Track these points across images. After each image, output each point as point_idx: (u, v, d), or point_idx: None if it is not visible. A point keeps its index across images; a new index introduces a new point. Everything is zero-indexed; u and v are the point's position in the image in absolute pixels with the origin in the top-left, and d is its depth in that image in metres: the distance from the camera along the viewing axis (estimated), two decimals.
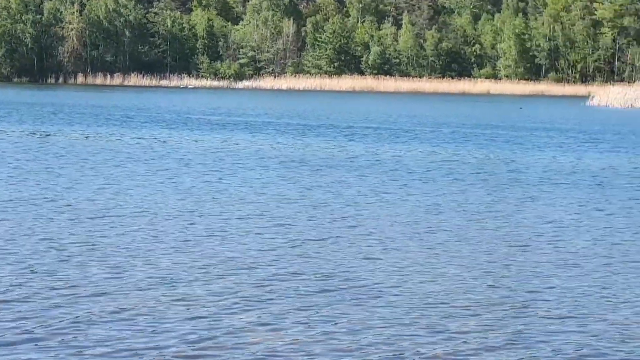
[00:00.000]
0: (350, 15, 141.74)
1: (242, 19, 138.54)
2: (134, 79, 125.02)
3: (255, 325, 9.55)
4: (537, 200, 19.72)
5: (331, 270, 12.28)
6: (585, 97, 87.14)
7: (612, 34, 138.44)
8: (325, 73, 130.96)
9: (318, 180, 22.20)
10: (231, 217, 16.40)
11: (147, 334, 9.15)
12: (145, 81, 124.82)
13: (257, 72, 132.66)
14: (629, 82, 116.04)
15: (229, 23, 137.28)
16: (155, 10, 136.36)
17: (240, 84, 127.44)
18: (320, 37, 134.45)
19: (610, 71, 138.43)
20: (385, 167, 25.85)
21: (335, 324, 9.70)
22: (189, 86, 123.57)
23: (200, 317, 9.77)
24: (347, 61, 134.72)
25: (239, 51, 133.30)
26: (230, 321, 9.66)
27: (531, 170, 26.15)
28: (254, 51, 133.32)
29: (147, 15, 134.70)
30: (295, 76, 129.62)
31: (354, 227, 15.62)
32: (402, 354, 8.76)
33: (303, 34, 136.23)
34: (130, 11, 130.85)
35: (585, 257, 13.58)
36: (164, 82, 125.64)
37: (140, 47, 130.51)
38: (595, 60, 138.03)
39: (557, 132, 43.83)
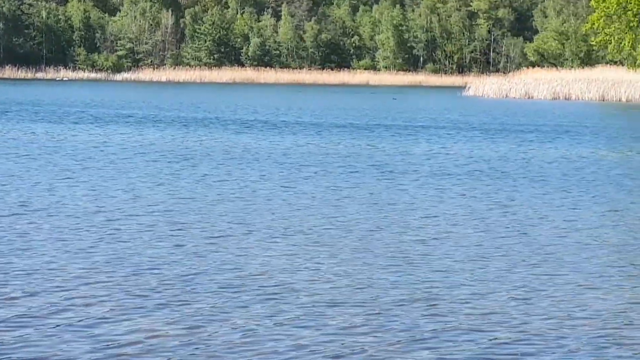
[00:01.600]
0: (229, 6, 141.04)
1: (120, 11, 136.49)
2: (8, 72, 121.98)
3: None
4: (403, 186, 19.93)
5: (207, 264, 12.17)
6: (462, 88, 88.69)
7: (487, 26, 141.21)
8: (205, 65, 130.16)
9: (210, 173, 22.01)
10: (97, 210, 16.12)
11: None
12: (21, 73, 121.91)
13: (136, 64, 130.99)
14: (504, 73, 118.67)
15: (106, 14, 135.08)
16: (30, 1, 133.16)
17: (119, 76, 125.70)
18: (200, 29, 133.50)
19: (486, 62, 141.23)
20: (248, 158, 25.82)
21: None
22: (65, 78, 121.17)
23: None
24: (226, 53, 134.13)
25: (117, 43, 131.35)
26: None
27: (398, 159, 26.43)
28: (132, 43, 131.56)
29: (21, 6, 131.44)
30: (174, 68, 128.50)
31: (233, 222, 15.51)
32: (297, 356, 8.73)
33: (182, 25, 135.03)
34: (4, 2, 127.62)
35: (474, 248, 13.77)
36: (39, 75, 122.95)
37: (14, 39, 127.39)
38: (472, 52, 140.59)
39: (431, 122, 44.45)
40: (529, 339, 9.14)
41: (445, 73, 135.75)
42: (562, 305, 10.40)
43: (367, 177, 22.02)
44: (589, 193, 19.92)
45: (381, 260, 12.56)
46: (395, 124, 42.37)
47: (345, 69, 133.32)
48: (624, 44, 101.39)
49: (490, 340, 9.08)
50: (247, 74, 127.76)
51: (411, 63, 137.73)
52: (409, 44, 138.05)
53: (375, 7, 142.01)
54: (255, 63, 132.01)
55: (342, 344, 8.83)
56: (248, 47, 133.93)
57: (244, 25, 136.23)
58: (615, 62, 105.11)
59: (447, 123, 43.97)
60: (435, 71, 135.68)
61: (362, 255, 12.91)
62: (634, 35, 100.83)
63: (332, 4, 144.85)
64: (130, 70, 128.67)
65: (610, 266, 12.55)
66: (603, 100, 72.31)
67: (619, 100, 71.64)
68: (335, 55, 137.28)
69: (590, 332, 9.40)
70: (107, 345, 8.65)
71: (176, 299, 10.29)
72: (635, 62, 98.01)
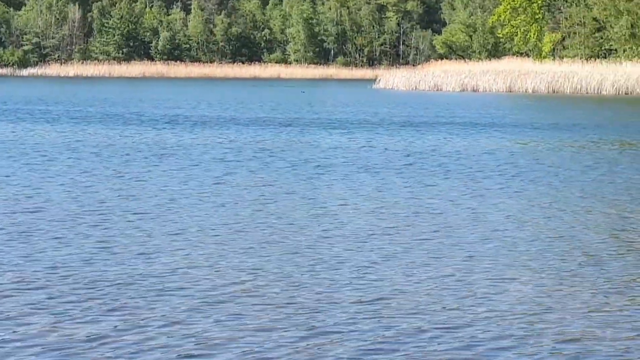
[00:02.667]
0: (137, 0, 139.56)
1: (25, 4, 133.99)
2: None
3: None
4: (320, 180, 19.92)
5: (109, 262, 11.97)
6: (372, 81, 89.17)
7: (396, 19, 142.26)
8: (114, 59, 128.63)
9: (118, 170, 21.68)
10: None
11: None
12: None
13: (43, 59, 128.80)
14: (413, 65, 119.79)
15: (11, 9, 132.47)
16: None
17: (25, 72, 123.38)
18: (108, 23, 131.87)
19: (396, 54, 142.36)
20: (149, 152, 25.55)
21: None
22: None
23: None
24: (136, 47, 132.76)
25: (23, 37, 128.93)
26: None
27: (312, 151, 26.41)
28: (39, 37, 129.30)
29: None
30: (82, 63, 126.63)
31: (140, 219, 15.30)
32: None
33: (89, 19, 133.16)
34: None
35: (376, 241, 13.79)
36: None
37: None
38: (382, 44, 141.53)
39: (342, 115, 44.57)
40: (441, 329, 9.17)
41: (356, 66, 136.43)
42: (478, 293, 10.48)
43: (279, 171, 21.94)
44: (498, 183, 20.17)
45: (288, 257, 12.51)
46: (304, 118, 42.36)
47: (257, 62, 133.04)
48: (530, 36, 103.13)
49: (390, 329, 9.08)
50: (157, 68, 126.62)
51: (322, 56, 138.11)
52: (319, 38, 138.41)
53: (285, 0, 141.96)
54: (165, 57, 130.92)
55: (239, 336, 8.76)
56: (157, 41, 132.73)
57: (153, 19, 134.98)
58: (522, 54, 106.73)
59: (356, 116, 44.13)
60: (346, 64, 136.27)
61: (268, 249, 12.85)
62: (539, 27, 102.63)
63: None
64: (37, 65, 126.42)
65: (520, 256, 12.70)
66: (510, 92, 73.42)
67: (526, 92, 72.81)
68: (246, 48, 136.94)
69: (506, 323, 9.47)
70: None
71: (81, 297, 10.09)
72: (540, 54, 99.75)
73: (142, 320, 9.32)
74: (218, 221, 14.96)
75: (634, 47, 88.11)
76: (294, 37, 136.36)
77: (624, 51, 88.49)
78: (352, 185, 19.51)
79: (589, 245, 13.48)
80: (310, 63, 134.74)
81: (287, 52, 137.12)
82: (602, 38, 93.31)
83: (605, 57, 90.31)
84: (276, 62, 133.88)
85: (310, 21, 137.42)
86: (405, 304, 10.09)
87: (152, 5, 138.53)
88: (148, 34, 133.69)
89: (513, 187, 19.66)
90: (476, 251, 12.93)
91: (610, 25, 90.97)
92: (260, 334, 8.95)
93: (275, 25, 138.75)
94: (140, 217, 15.16)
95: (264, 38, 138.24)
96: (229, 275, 11.31)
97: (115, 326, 9.11)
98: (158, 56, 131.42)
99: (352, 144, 29.27)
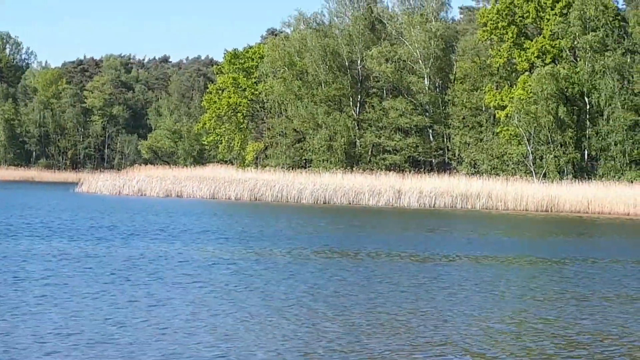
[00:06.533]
0: None
1: None
2: None
3: None
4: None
5: None
6: (75, 184, 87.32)
7: (102, 122, 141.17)
8: None
9: None
10: None
11: None
12: None
13: None
14: (118, 170, 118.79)
15: None
16: None
17: None
18: None
19: (101, 158, 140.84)
20: None
21: None
22: None
23: None
24: None
25: None
26: None
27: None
28: None
29: None
30: None
31: None
32: None
33: None
34: None
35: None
36: None
37: None
38: (86, 148, 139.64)
39: (38, 220, 43.07)
40: None
41: (59, 169, 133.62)
42: None
43: None
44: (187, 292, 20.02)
45: None
46: None
47: None
48: (234, 144, 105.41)
49: None
50: None
51: (23, 158, 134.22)
52: (21, 139, 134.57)
53: None
54: None
55: None
56: None
57: None
58: (226, 162, 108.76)
59: (50, 221, 42.82)
60: (49, 166, 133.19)
61: None
62: (243, 136, 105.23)
63: None
64: None
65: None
66: (214, 199, 74.14)
67: (229, 199, 73.80)
68: None
69: None
70: None
71: None
72: (244, 162, 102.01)
73: None
74: None
75: (331, 159, 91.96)
76: None
77: (322, 162, 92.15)
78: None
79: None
80: (10, 165, 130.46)
81: None
82: (302, 149, 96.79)
83: (305, 167, 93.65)
84: None
85: (12, 122, 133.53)
86: None
87: None
88: None
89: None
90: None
91: (310, 137, 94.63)
92: None
93: None
94: None
95: None
96: None
97: None
98: None
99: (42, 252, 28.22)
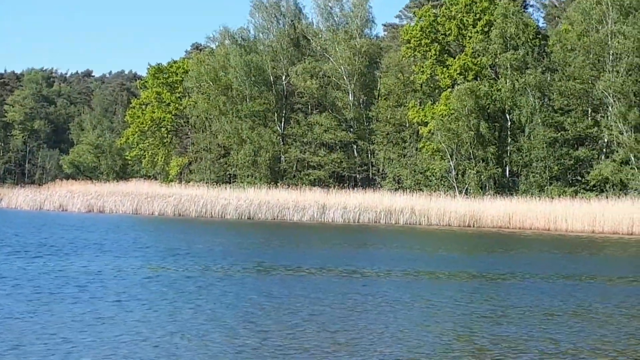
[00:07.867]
0: None
1: None
2: None
3: None
4: None
5: None
6: None
7: (22, 137, 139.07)
8: None
9: None
10: None
11: None
12: None
13: None
14: (39, 185, 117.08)
15: None
16: None
17: None
18: None
19: (22, 173, 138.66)
20: None
21: None
22: None
23: None
24: None
25: None
26: None
27: None
28: None
29: None
30: None
31: None
32: None
33: None
34: None
35: None
36: None
37: None
38: (6, 162, 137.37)
39: None
40: None
41: None
42: None
43: None
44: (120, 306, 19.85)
45: None
46: None
47: None
48: (158, 159, 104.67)
49: None
50: None
51: None
52: None
53: None
54: None
55: None
56: None
57: None
58: (150, 177, 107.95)
59: None
60: None
61: None
62: (167, 151, 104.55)
63: None
64: None
65: None
66: (137, 214, 73.47)
67: (152, 214, 73.21)
68: None
69: None
70: None
71: None
72: (168, 177, 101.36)
73: None
74: None
75: (255, 174, 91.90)
76: None
77: (247, 177, 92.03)
78: None
79: None
80: None
81: None
82: (226, 164, 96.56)
83: (230, 182, 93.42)
84: None
85: None
86: None
87: None
88: None
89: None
90: None
91: (234, 152, 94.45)
92: None
93: None
94: None
95: None
96: None
97: None
98: None
99: None
